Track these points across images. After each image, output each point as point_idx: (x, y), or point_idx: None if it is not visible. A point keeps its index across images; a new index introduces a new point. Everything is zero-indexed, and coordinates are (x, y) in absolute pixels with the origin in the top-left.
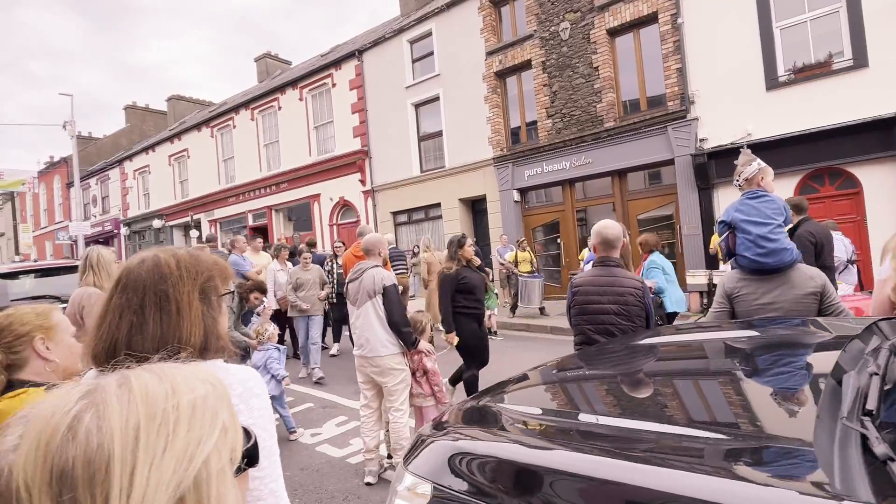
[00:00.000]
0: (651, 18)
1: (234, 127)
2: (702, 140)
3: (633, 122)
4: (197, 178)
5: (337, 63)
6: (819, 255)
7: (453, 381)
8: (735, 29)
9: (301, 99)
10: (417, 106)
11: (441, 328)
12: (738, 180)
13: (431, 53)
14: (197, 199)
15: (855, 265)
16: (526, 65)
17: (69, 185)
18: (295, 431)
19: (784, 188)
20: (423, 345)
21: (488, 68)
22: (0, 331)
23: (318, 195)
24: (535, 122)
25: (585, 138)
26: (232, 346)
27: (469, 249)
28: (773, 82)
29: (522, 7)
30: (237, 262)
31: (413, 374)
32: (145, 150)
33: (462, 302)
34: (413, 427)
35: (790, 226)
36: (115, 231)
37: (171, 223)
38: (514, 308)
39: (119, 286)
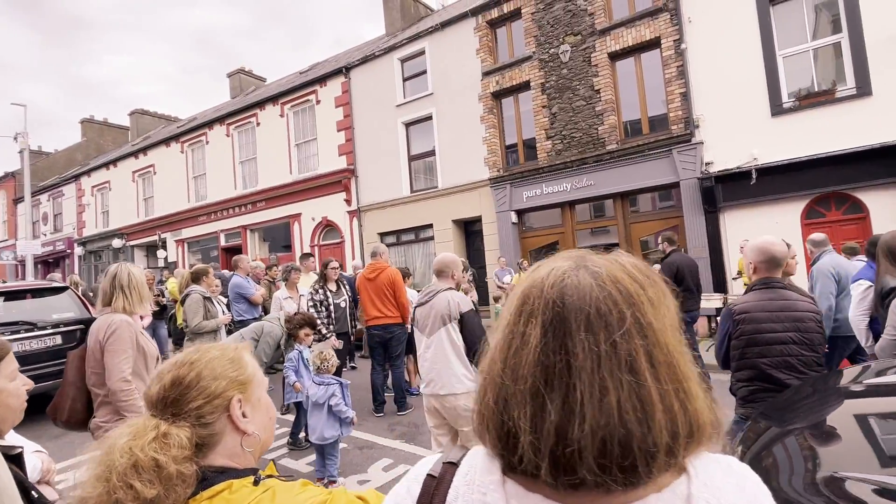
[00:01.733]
0: (653, 43)
1: (207, 143)
2: (707, 164)
3: (636, 145)
4: (164, 195)
5: (322, 80)
6: (680, 281)
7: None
8: (739, 56)
9: (282, 115)
10: (408, 125)
11: None
12: None
13: (424, 72)
14: (163, 218)
15: None
16: (524, 86)
17: (16, 201)
18: (335, 481)
19: (790, 213)
20: None
21: (484, 88)
22: (185, 389)
23: (298, 215)
24: (533, 144)
25: (587, 160)
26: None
27: (791, 262)
28: (777, 108)
29: (520, 29)
30: (241, 285)
31: None
32: (105, 165)
33: None
34: None
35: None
36: (69, 251)
37: (133, 243)
38: None
39: (576, 319)
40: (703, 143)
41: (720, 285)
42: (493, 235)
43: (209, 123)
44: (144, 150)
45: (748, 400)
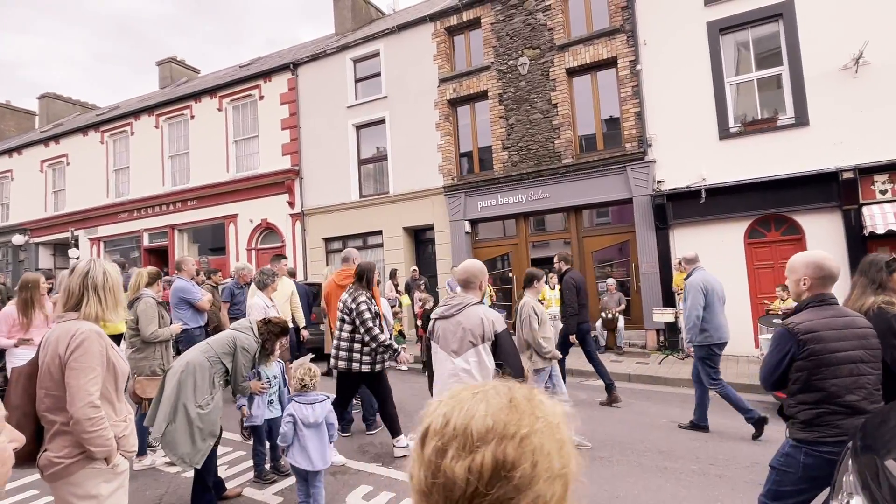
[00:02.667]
0: (610, 62)
1: (133, 134)
2: (659, 182)
3: (592, 161)
4: (78, 188)
5: (266, 74)
6: (578, 293)
7: None
8: (691, 80)
9: (220, 109)
10: (360, 127)
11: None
12: None
13: (378, 74)
14: (75, 214)
15: None
16: (481, 95)
17: None
18: None
19: (735, 232)
20: None
21: (441, 95)
22: (515, 490)
23: (234, 216)
24: (489, 154)
25: (543, 173)
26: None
27: None
28: (725, 132)
29: (479, 38)
30: (186, 289)
31: None
32: (8, 152)
33: None
34: None
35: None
36: None
37: (39, 240)
38: None
39: None
40: (655, 161)
41: (669, 299)
42: (446, 244)
43: (135, 113)
44: (56, 137)
45: (814, 423)
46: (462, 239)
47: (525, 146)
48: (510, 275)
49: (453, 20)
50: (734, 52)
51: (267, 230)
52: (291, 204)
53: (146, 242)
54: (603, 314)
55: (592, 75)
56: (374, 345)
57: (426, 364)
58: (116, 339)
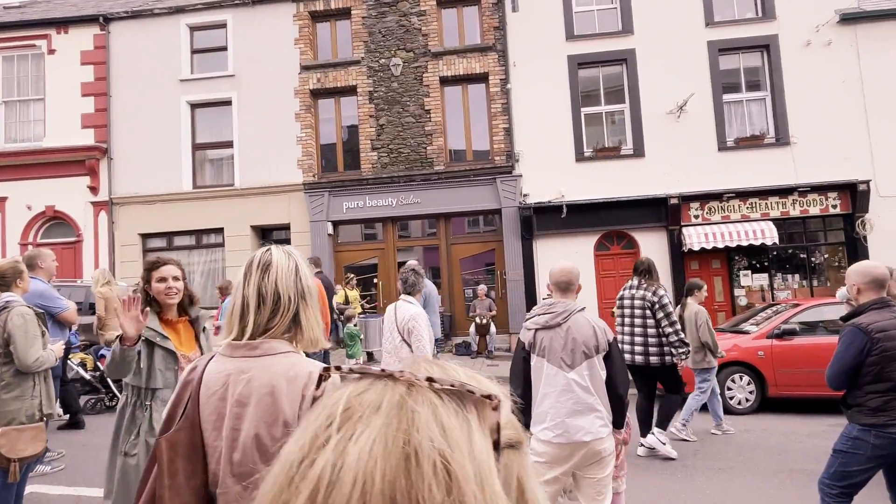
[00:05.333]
0: (482, 77)
1: None
2: (525, 195)
3: (463, 170)
4: None
5: (62, 24)
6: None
7: None
8: (553, 104)
9: None
10: (196, 106)
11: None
12: None
13: (224, 48)
14: None
15: None
16: (349, 90)
17: None
18: None
19: (586, 244)
20: None
21: (303, 84)
22: None
23: (2, 200)
24: (357, 153)
25: (414, 178)
26: None
27: (892, 283)
28: (580, 155)
29: (347, 30)
30: (46, 294)
31: None
32: None
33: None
34: None
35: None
36: None
37: None
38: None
39: None
40: (522, 175)
41: (532, 306)
42: (305, 247)
43: None
44: None
45: (882, 409)
46: (324, 241)
47: (396, 149)
48: (374, 281)
49: (319, 5)
50: (588, 86)
51: (54, 220)
52: (94, 189)
53: None
54: (477, 320)
55: (464, 87)
56: (674, 339)
57: (525, 375)
58: None
